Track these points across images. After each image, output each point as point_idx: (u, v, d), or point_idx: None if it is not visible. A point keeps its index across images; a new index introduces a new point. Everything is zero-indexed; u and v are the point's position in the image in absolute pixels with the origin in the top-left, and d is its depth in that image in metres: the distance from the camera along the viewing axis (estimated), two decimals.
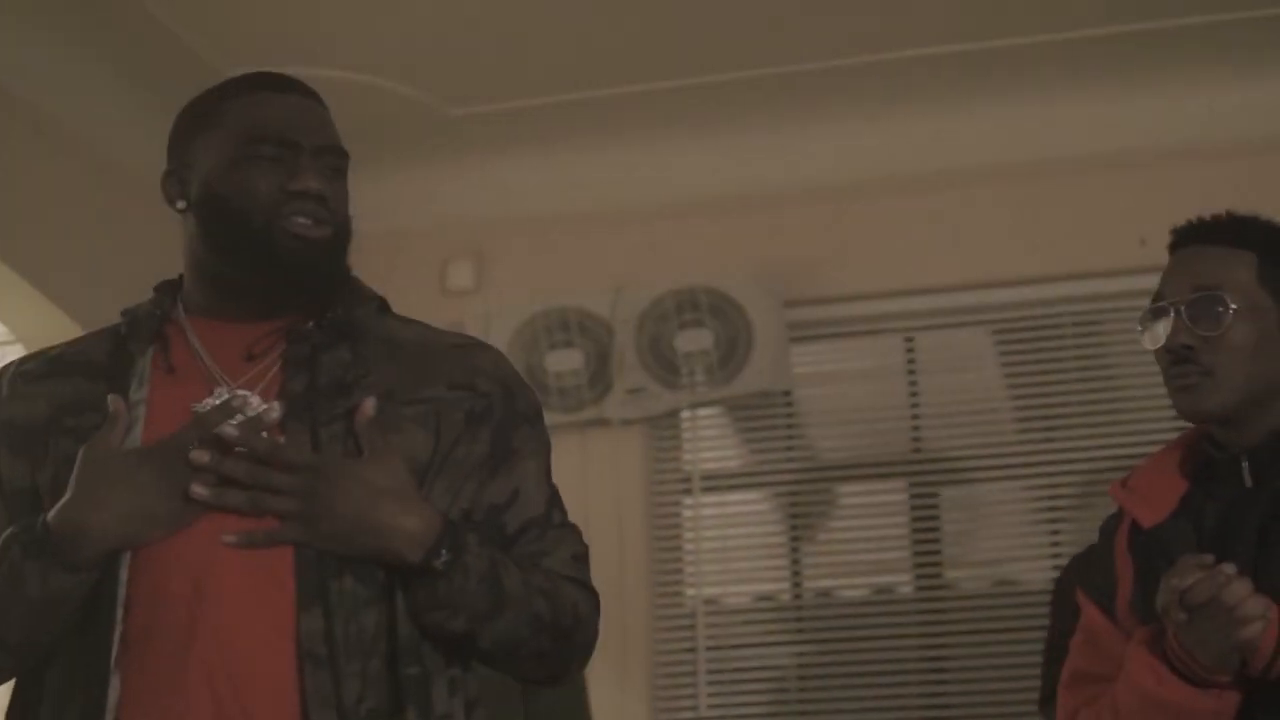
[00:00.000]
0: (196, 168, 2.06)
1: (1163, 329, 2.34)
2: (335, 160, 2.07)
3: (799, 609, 4.70)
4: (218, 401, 1.95)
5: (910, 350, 4.69)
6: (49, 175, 4.22)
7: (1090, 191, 4.50)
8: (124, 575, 1.92)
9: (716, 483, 4.74)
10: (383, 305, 2.11)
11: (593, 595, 2.08)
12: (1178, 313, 2.34)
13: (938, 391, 4.64)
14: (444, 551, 1.91)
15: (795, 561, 4.70)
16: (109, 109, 4.28)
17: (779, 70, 4.33)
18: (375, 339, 2.05)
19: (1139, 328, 2.39)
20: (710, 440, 4.79)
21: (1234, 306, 2.32)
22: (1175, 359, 2.34)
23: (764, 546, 4.70)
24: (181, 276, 2.11)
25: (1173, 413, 2.40)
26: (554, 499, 2.10)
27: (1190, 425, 2.43)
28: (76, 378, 2.04)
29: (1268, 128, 4.38)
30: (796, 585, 4.71)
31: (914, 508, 4.66)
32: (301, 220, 2.00)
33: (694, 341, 4.57)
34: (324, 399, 1.98)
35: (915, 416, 4.66)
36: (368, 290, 2.11)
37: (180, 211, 2.07)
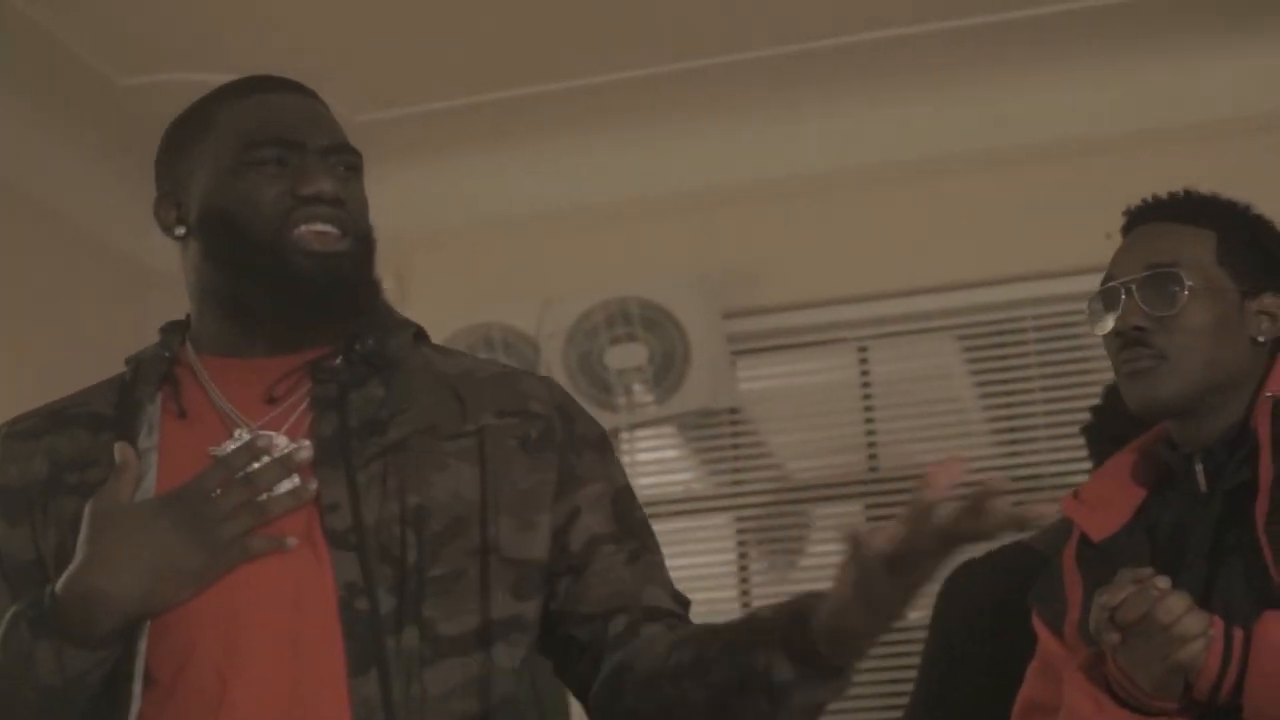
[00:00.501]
0: (191, 186, 1.90)
1: (1113, 311, 2.23)
2: (348, 159, 1.90)
3: None
4: (240, 444, 1.80)
5: (864, 361, 4.49)
6: None
7: (1052, 183, 4.31)
8: (142, 645, 1.74)
9: (659, 509, 4.51)
10: (419, 333, 1.95)
11: None
12: (1129, 292, 2.23)
13: (895, 405, 4.45)
14: None
15: (745, 594, 4.51)
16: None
17: (710, 62, 4.13)
18: (411, 371, 1.89)
19: (1087, 310, 2.27)
20: (650, 463, 4.60)
21: (1190, 284, 2.21)
22: (1126, 342, 2.22)
23: (711, 577, 4.49)
24: (188, 315, 1.94)
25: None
26: (640, 524, 1.90)
27: (1144, 427, 2.30)
28: (77, 430, 1.88)
29: (1242, 108, 4.18)
30: None
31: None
32: (316, 229, 1.83)
33: (627, 357, 4.37)
34: (357, 440, 1.81)
35: (871, 433, 4.46)
36: (399, 316, 1.96)
37: (179, 239, 1.91)
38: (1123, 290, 2.25)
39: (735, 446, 4.53)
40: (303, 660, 1.74)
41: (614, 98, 4.26)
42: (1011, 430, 4.38)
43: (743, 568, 4.54)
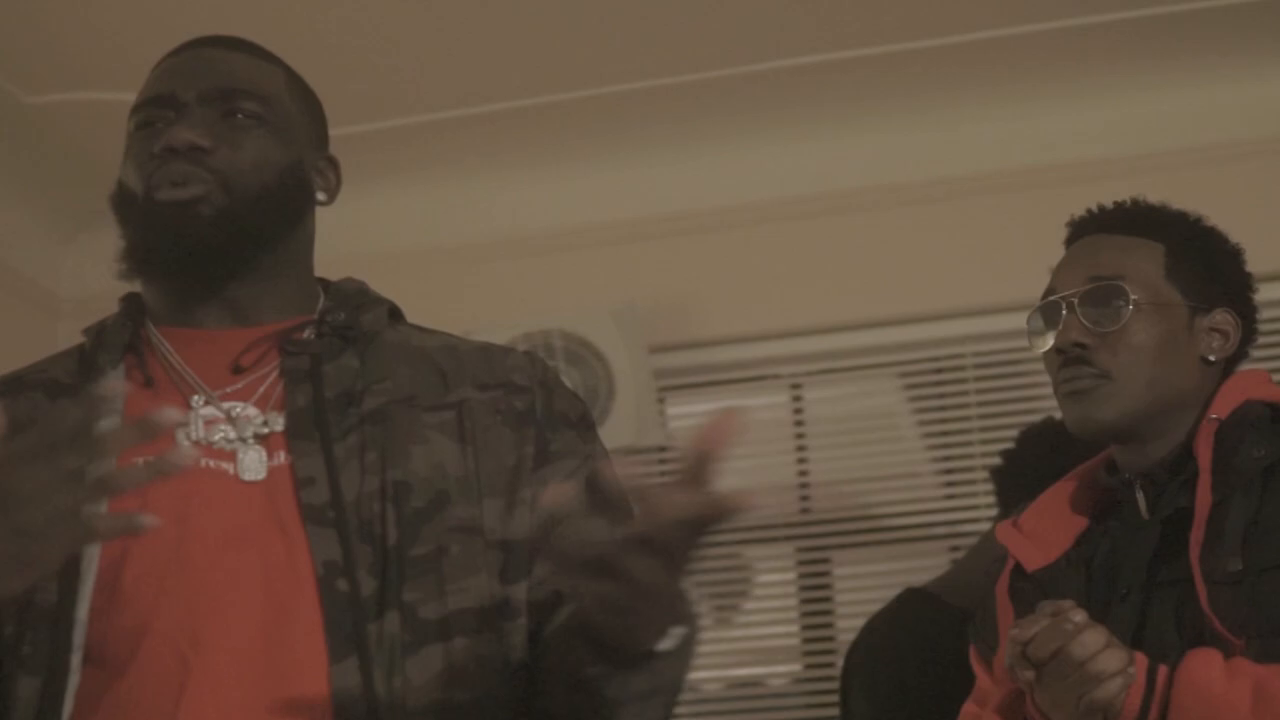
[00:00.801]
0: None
1: (1053, 327, 2.15)
2: (230, 104, 1.81)
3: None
4: (210, 412, 1.74)
5: (797, 399, 4.38)
6: None
7: (995, 216, 4.21)
8: (81, 614, 1.63)
9: None
10: (394, 310, 1.89)
11: None
12: (1070, 307, 2.14)
13: (829, 445, 4.33)
14: None
15: None
16: None
17: (636, 88, 4.00)
18: (387, 344, 1.83)
19: (1027, 327, 2.20)
20: None
21: (1135, 299, 2.12)
22: (1066, 360, 2.13)
23: None
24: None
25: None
26: (602, 502, 1.65)
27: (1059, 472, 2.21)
28: (35, 394, 1.80)
29: (1193, 138, 4.09)
30: None
31: (803, 575, 4.33)
32: (170, 182, 1.76)
33: None
34: (333, 411, 1.74)
35: (804, 473, 4.34)
36: (374, 293, 1.89)
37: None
38: (1064, 305, 2.15)
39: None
40: (277, 645, 1.64)
41: (536, 125, 4.15)
42: (950, 471, 4.27)
43: None
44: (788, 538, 4.33)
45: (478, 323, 4.19)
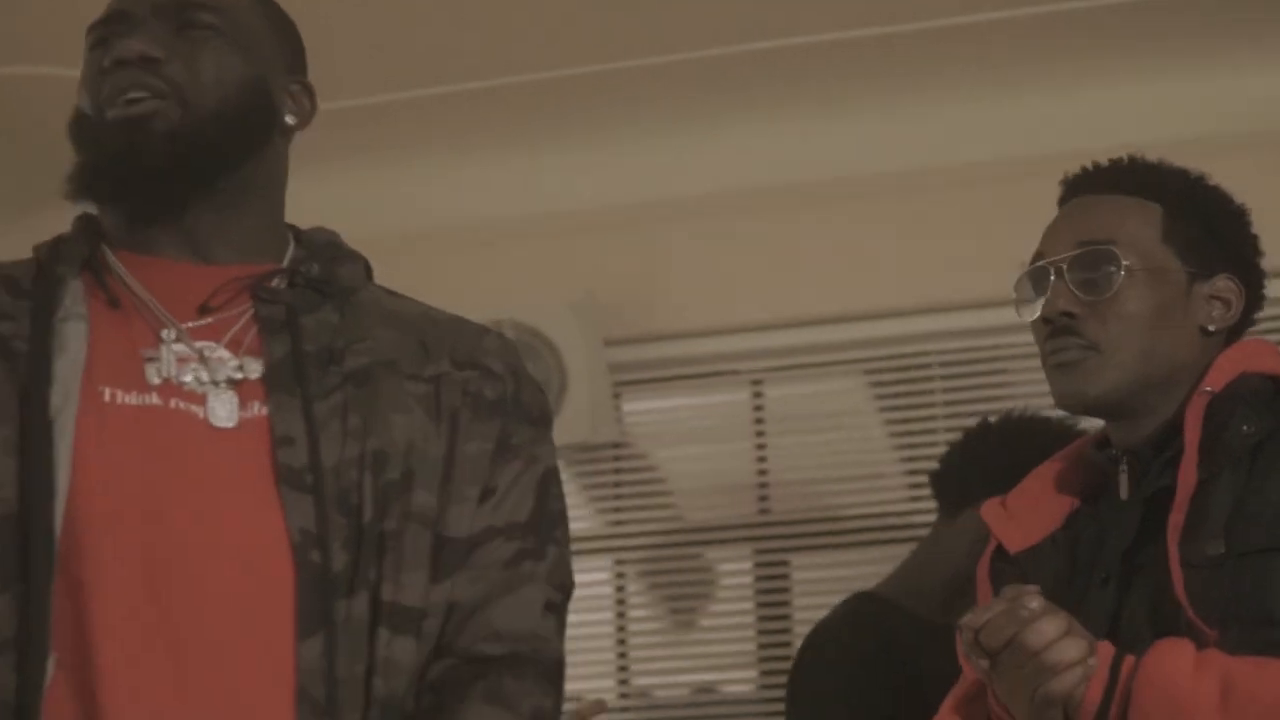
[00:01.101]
0: None
1: (1041, 294, 2.04)
2: (185, 15, 1.73)
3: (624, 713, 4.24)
4: (182, 349, 1.66)
5: (758, 396, 4.30)
6: None
7: (962, 209, 4.13)
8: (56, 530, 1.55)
9: None
10: (368, 267, 1.83)
11: (554, 684, 1.71)
12: (1058, 273, 2.03)
13: (790, 444, 4.27)
14: None
15: (622, 643, 4.29)
16: None
17: (592, 70, 3.90)
18: (365, 302, 1.76)
19: (1013, 295, 2.11)
20: None
21: (1128, 264, 2.01)
22: (1054, 330, 2.03)
23: (585, 638, 4.20)
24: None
25: None
26: (546, 516, 1.76)
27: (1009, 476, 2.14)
28: (8, 289, 1.70)
29: (1165, 130, 3.89)
30: (623, 683, 4.27)
31: (760, 578, 4.25)
32: (123, 95, 1.69)
33: None
34: (314, 367, 1.67)
35: (763, 472, 4.26)
36: (347, 247, 1.83)
37: None
38: (1052, 270, 2.05)
39: (617, 484, 4.33)
40: (245, 613, 1.58)
41: (488, 108, 4.04)
42: (915, 471, 4.17)
43: (620, 614, 4.33)
44: (745, 539, 4.26)
45: None
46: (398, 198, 4.29)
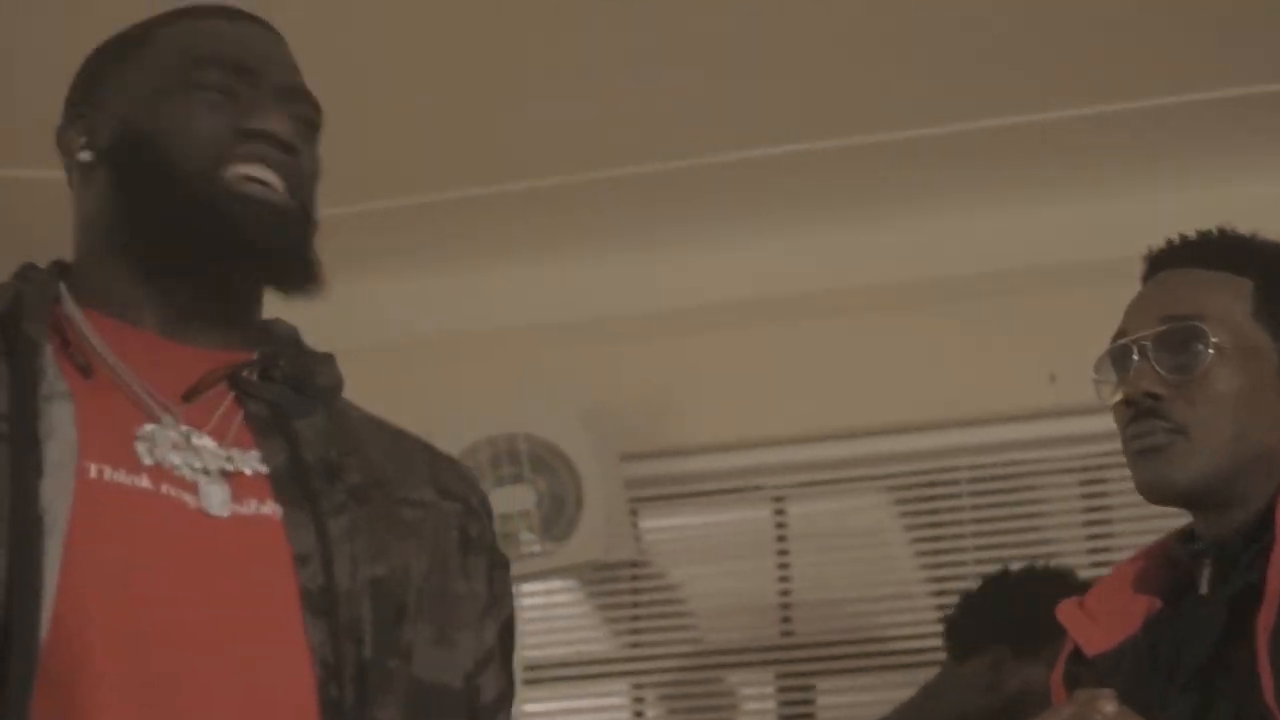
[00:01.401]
0: (111, 106, 1.62)
1: (1122, 374, 1.98)
2: (308, 111, 1.65)
3: None
4: (173, 434, 1.53)
5: (780, 513, 4.25)
6: None
7: (991, 319, 4.11)
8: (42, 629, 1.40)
9: (543, 673, 4.30)
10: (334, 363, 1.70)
11: None
12: (1142, 351, 1.96)
13: (814, 562, 4.22)
14: None
15: None
16: None
17: (609, 175, 3.86)
18: (343, 412, 1.65)
19: (1094, 376, 2.03)
20: (537, 622, 4.31)
21: (1216, 341, 1.94)
22: (1137, 412, 1.95)
23: None
24: (59, 262, 1.64)
25: None
26: (510, 688, 1.69)
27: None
28: None
29: None
30: None
31: (784, 703, 4.21)
32: (257, 172, 1.56)
33: (513, 500, 4.09)
34: (319, 480, 1.55)
35: (786, 592, 4.21)
36: (310, 345, 1.68)
37: (82, 165, 1.62)
38: (1135, 349, 1.98)
39: (635, 605, 4.29)
40: None
41: (501, 213, 4.03)
42: (943, 592, 4.10)
43: None
44: (768, 662, 4.22)
45: (436, 424, 4.07)
46: (409, 303, 4.28)
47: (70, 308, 1.58)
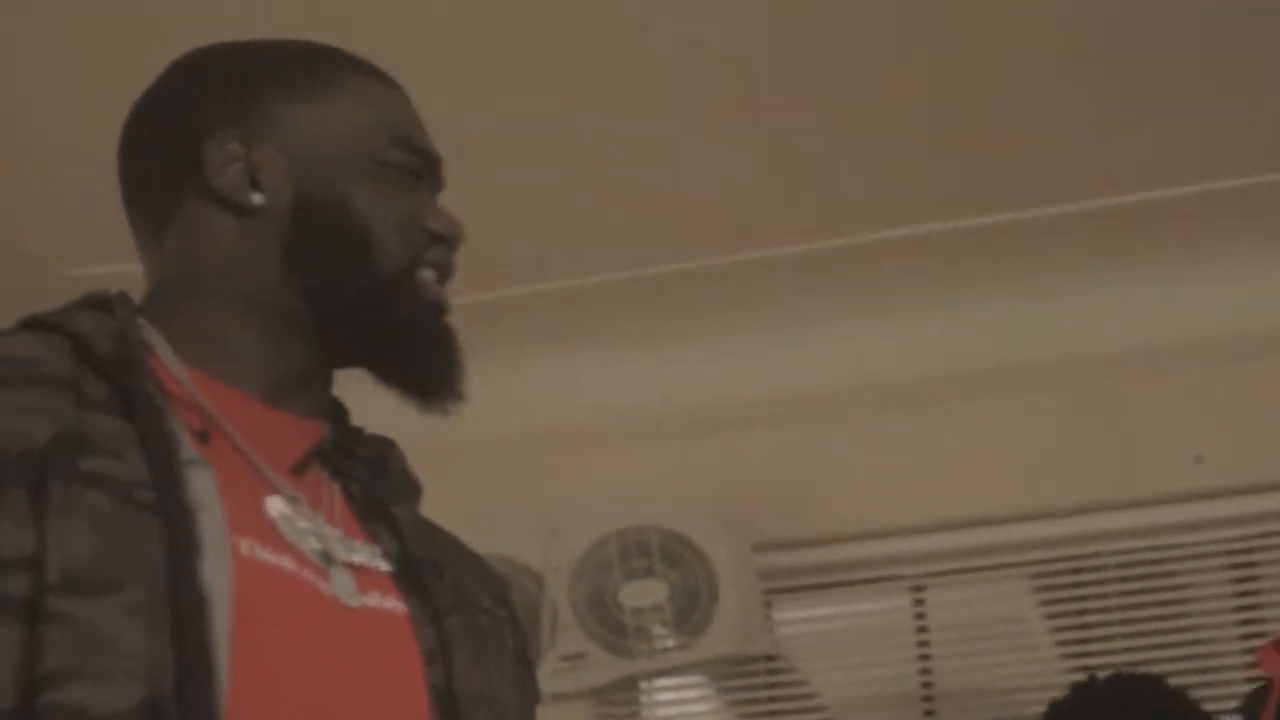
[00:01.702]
0: (286, 148, 1.46)
1: None
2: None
3: None
4: (304, 514, 1.41)
5: (919, 603, 4.17)
6: None
7: (1136, 399, 4.03)
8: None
9: None
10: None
11: None
12: None
13: (956, 654, 4.13)
14: None
15: None
16: None
17: (737, 260, 3.84)
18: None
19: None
20: (673, 718, 4.29)
21: None
22: None
23: None
24: (131, 298, 1.47)
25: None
26: None
27: None
28: (71, 395, 1.32)
29: None
30: None
31: None
32: (437, 279, 1.49)
33: (644, 594, 4.03)
34: (429, 576, 1.45)
35: (928, 684, 4.12)
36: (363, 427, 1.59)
37: (239, 204, 1.45)
38: None
39: (771, 699, 4.20)
40: None
41: (629, 300, 4.00)
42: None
43: None
44: None
45: (563, 517, 4.11)
46: (535, 393, 4.25)
47: (169, 359, 1.43)
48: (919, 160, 3.50)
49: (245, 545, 1.33)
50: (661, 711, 4.24)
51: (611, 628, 4.04)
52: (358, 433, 1.54)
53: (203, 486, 1.31)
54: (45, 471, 1.27)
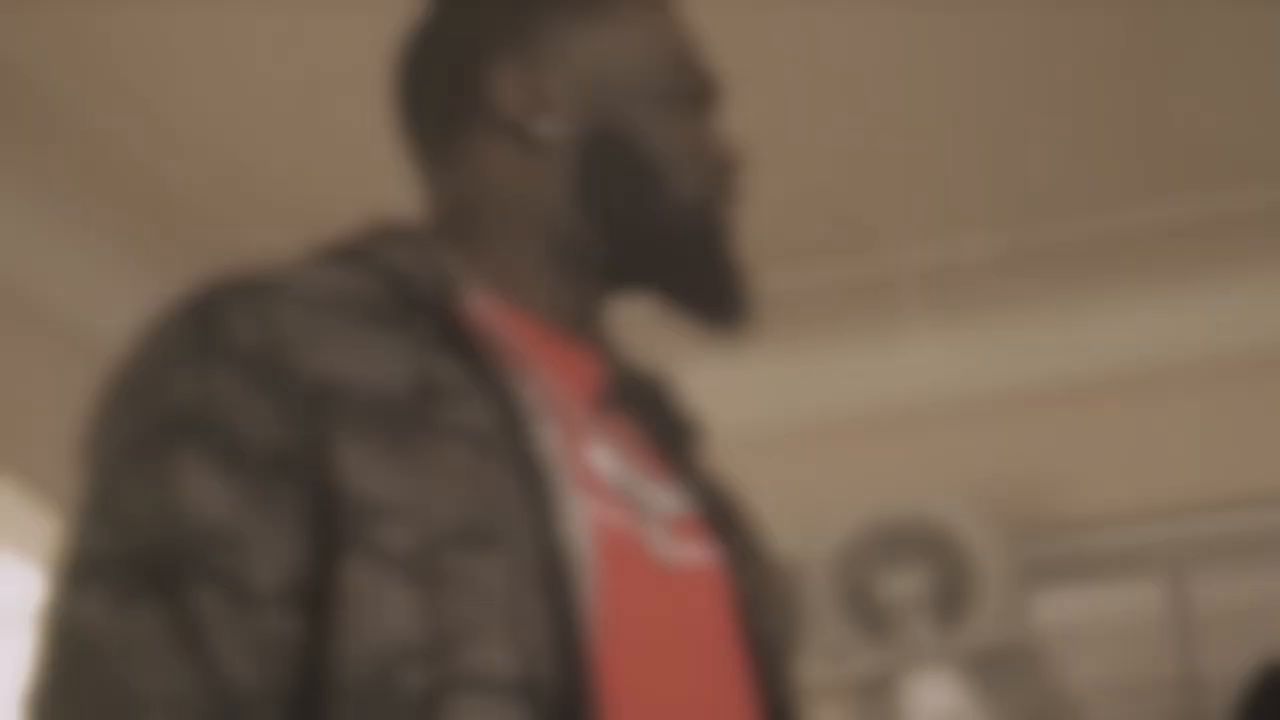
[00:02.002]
0: (572, 73, 1.41)
1: None
2: None
3: None
4: (625, 464, 1.34)
5: (1180, 589, 4.09)
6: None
7: None
8: None
9: None
10: None
11: None
12: None
13: (1223, 648, 4.01)
14: None
15: None
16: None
17: (997, 246, 3.82)
18: None
19: None
20: (934, 711, 4.11)
21: None
22: None
23: None
24: (434, 227, 1.42)
25: None
26: None
27: None
28: (410, 336, 1.27)
29: None
30: None
31: None
32: (725, 204, 1.44)
33: (903, 585, 3.97)
34: (732, 520, 1.42)
35: (1188, 674, 4.04)
36: None
37: (529, 132, 1.40)
38: None
39: (1028, 689, 4.10)
40: None
41: (885, 292, 3.97)
42: None
43: None
44: None
45: (821, 507, 4.06)
46: (788, 387, 4.23)
47: (478, 299, 1.36)
48: (1176, 137, 3.46)
49: (595, 507, 1.28)
50: (920, 705, 4.11)
51: (869, 620, 3.99)
52: (632, 366, 1.48)
53: (548, 442, 1.27)
54: (405, 418, 1.22)
